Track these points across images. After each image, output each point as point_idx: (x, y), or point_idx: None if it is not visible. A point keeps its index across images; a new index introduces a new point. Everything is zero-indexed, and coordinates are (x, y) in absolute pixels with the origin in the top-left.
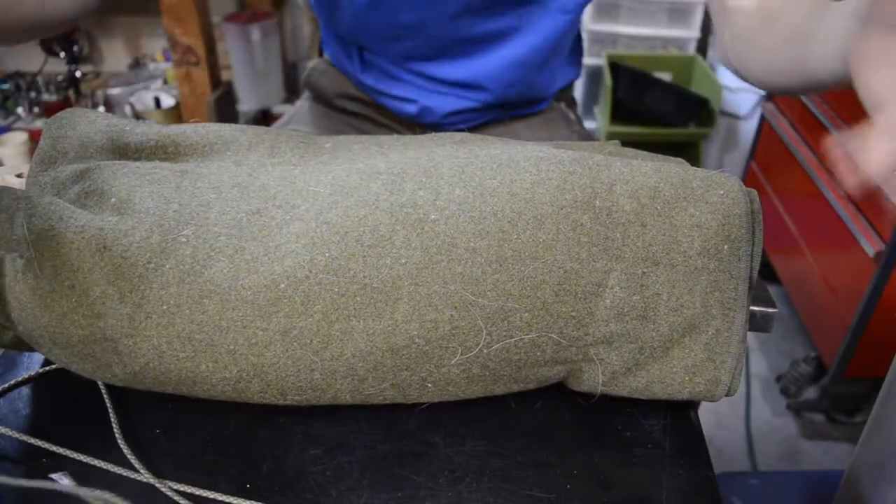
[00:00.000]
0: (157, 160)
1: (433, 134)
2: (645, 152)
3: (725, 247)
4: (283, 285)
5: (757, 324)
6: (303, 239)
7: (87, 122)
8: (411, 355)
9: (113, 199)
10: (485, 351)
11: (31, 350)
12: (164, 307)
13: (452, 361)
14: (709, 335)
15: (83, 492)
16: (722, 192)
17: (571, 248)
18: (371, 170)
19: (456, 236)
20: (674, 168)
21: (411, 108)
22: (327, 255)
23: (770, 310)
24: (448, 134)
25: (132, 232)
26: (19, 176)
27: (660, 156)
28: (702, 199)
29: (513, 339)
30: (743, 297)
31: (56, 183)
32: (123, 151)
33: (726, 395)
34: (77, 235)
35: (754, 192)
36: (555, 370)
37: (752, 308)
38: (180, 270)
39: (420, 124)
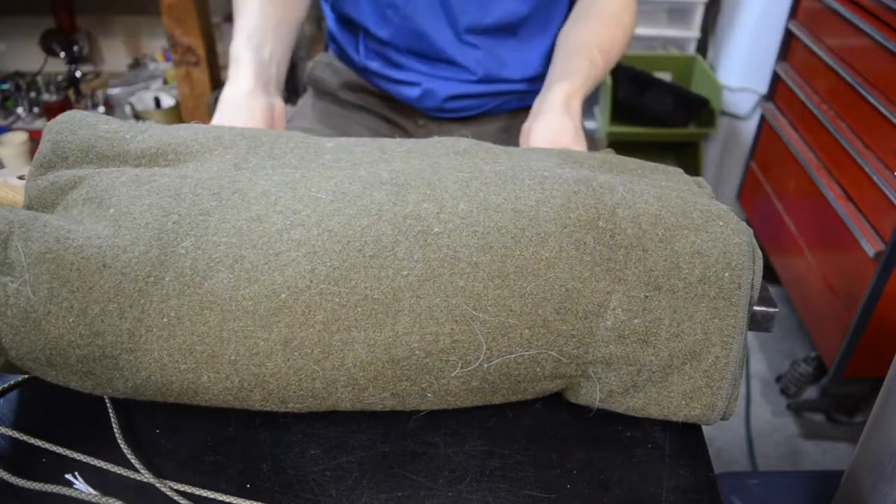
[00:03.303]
0: (156, 167)
1: (436, 139)
2: (644, 162)
3: (726, 274)
4: (283, 295)
5: (758, 323)
6: (304, 247)
7: (88, 127)
8: (411, 367)
9: (112, 210)
10: (485, 365)
11: (23, 373)
12: (165, 320)
13: (452, 374)
14: (708, 363)
15: (95, 498)
16: (722, 224)
17: (574, 266)
18: (374, 178)
19: (459, 250)
20: (674, 197)
21: (413, 92)
22: (328, 264)
23: (771, 309)
24: (451, 140)
25: (131, 248)
26: (21, 178)
27: (661, 166)
28: (702, 229)
29: (513, 356)
30: (742, 323)
31: (54, 188)
32: (123, 158)
33: (721, 419)
34: (76, 256)
35: (750, 229)
36: (553, 384)
37: (753, 308)
38: (180, 282)
39: (421, 111)
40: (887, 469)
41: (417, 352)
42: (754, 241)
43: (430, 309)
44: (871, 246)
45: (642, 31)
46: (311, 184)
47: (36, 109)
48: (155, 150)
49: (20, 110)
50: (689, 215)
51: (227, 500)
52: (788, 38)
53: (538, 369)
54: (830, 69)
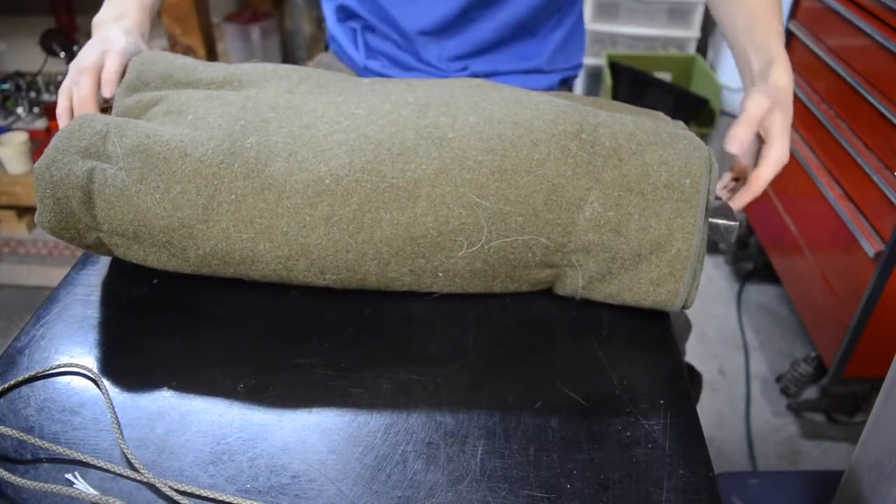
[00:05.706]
0: (223, 91)
1: (454, 78)
2: (631, 105)
3: (687, 181)
4: (327, 181)
5: (720, 234)
6: (344, 146)
7: (167, 62)
8: (427, 244)
9: (191, 117)
10: (486, 247)
11: (108, 254)
12: (233, 196)
13: (460, 254)
14: (672, 254)
15: (95, 498)
16: (685, 142)
17: (559, 166)
18: (402, 100)
19: (467, 151)
20: (648, 122)
21: None
22: (363, 159)
23: (731, 223)
24: (467, 79)
25: (207, 142)
26: (103, 111)
27: (645, 109)
28: (669, 145)
29: (509, 239)
30: (700, 222)
31: (139, 105)
32: (196, 85)
33: (682, 308)
34: (163, 147)
35: (708, 147)
36: (544, 273)
37: (716, 221)
38: (246, 168)
39: None
40: (887, 469)
41: (432, 231)
42: (712, 156)
43: (443, 196)
44: (871, 246)
45: (642, 31)
46: (351, 104)
47: (36, 109)
48: (222, 78)
49: (20, 110)
50: (659, 135)
51: (227, 500)
52: (788, 38)
53: (530, 255)
54: (830, 69)
